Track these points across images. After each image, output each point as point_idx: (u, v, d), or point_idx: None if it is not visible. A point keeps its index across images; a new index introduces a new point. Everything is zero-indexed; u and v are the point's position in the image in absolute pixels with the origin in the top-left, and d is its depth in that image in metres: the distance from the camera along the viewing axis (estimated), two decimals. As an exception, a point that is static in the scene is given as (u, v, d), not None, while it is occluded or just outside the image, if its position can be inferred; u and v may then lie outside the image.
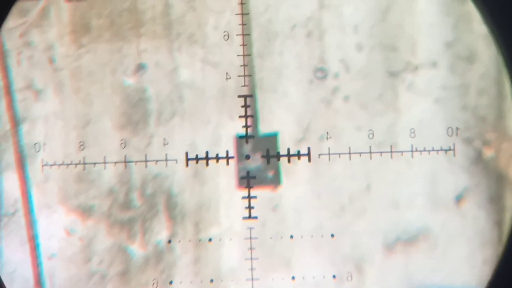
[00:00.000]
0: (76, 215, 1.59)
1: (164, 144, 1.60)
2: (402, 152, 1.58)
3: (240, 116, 1.60)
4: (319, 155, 1.59)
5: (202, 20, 1.60)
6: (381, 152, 1.58)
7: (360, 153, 1.59)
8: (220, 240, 1.59)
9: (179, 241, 1.59)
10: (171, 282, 1.59)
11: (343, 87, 1.59)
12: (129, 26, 1.60)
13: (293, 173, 1.60)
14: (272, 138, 1.59)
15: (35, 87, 1.60)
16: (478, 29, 1.57)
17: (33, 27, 1.60)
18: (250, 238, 1.60)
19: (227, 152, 1.60)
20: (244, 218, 1.60)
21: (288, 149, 1.59)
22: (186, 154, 1.59)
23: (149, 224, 1.59)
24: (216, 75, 1.60)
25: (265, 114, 1.60)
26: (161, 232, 1.59)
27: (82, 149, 1.59)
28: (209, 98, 1.60)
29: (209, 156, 1.59)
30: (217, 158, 1.59)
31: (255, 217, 1.60)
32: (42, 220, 1.59)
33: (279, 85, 1.59)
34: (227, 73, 1.60)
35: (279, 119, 1.60)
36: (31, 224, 1.59)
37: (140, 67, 1.60)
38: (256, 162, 1.60)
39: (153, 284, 1.59)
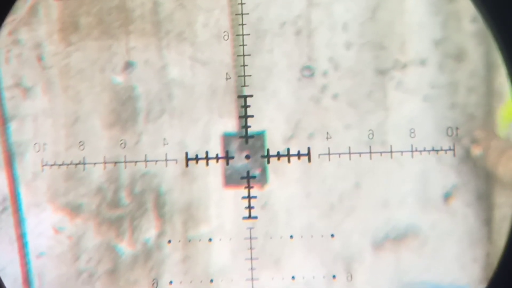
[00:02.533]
0: (64, 213, 1.59)
1: (154, 143, 1.60)
2: (392, 150, 1.58)
3: (230, 114, 1.60)
4: (310, 153, 1.59)
5: (191, 18, 1.60)
6: (370, 151, 1.58)
7: (349, 152, 1.59)
8: (218, 240, 1.59)
9: (179, 241, 1.59)
10: (171, 282, 1.59)
11: (332, 85, 1.59)
12: (118, 24, 1.60)
13: (283, 172, 1.59)
14: (261, 136, 1.59)
15: (23, 85, 1.59)
16: (467, 27, 1.57)
17: (22, 25, 1.60)
18: (250, 238, 1.60)
19: (227, 152, 1.60)
20: (244, 218, 1.60)
21: (278, 152, 1.59)
22: (186, 154, 1.59)
23: (138, 222, 1.59)
24: (205, 73, 1.59)
25: (254, 112, 1.60)
26: (150, 230, 1.59)
27: (71, 147, 1.59)
28: (198, 96, 1.59)
29: (200, 155, 1.59)
30: (208, 158, 1.59)
31: (255, 217, 1.59)
32: (31, 218, 1.59)
33: (268, 83, 1.59)
34: (216, 71, 1.60)
35: (268, 117, 1.59)
36: (19, 222, 1.58)
37: (129, 65, 1.59)
38: (249, 160, 1.60)
39: (153, 284, 1.59)
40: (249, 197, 1.60)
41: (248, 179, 1.59)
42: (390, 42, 1.59)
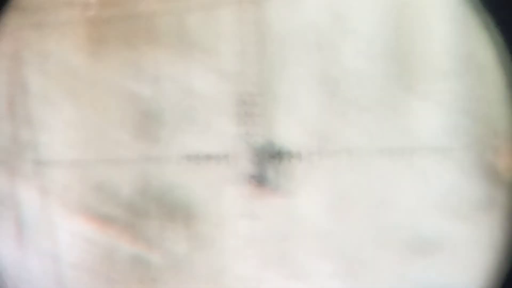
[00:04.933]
0: (95, 224, 1.61)
1: (177, 153, 1.62)
2: (410, 159, 1.59)
3: (244, 121, 1.62)
4: (321, 157, 1.61)
5: (214, 31, 1.61)
6: (392, 162, 1.60)
7: (363, 157, 1.60)
8: (221, 240, 1.62)
9: (189, 246, 1.62)
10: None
11: (349, 94, 1.60)
12: (141, 37, 1.61)
13: (294, 175, 1.61)
14: (272, 143, 1.61)
15: (52, 97, 1.61)
16: (483, 37, 1.58)
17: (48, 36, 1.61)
18: (250, 238, 1.62)
19: (230, 154, 1.62)
20: (246, 218, 1.61)
21: (287, 155, 1.61)
22: (191, 156, 1.61)
23: (167, 233, 1.61)
24: (227, 85, 1.61)
25: (269, 120, 1.61)
26: (179, 241, 1.61)
27: (99, 159, 1.62)
28: (219, 107, 1.61)
29: (211, 157, 1.61)
30: (217, 159, 1.62)
31: (257, 217, 1.61)
32: (62, 230, 1.61)
33: (286, 93, 1.61)
34: (237, 83, 1.61)
35: (283, 125, 1.61)
36: (20, 224, 1.60)
37: (153, 78, 1.61)
38: (257, 164, 1.61)
39: None
40: (251, 197, 1.62)
41: (253, 179, 1.61)
42: (414, 55, 1.59)
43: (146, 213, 1.62)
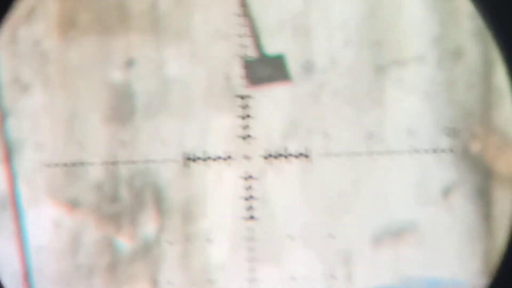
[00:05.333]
0: (64, 208, 1.58)
1: (152, 139, 1.59)
2: (389, 147, 1.58)
3: (230, 112, 1.60)
4: (308, 151, 1.59)
5: (191, 16, 1.59)
6: (368, 149, 1.58)
7: (347, 148, 1.59)
8: (217, 239, 1.59)
9: (177, 238, 1.59)
10: (168, 279, 1.59)
11: (330, 83, 1.58)
12: (116, 21, 1.59)
13: (283, 172, 1.59)
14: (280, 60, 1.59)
15: (22, 81, 1.59)
16: (465, 24, 1.58)
17: (20, 21, 1.59)
18: (250, 238, 1.60)
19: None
20: (244, 218, 1.59)
21: (276, 151, 1.59)
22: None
23: (137, 217, 1.59)
24: (204, 71, 1.59)
25: (253, 110, 1.59)
26: (149, 225, 1.59)
27: (70, 143, 1.59)
28: (197, 94, 1.59)
29: (198, 151, 1.59)
30: (216, 158, 1.60)
31: (255, 218, 1.59)
32: (30, 213, 1.58)
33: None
34: (215, 69, 1.59)
35: (268, 115, 1.59)
36: (18, 218, 1.58)
37: (128, 62, 1.59)
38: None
39: (151, 280, 1.58)
40: (248, 197, 1.60)
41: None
42: (388, 39, 1.59)
43: (115, 196, 1.59)
